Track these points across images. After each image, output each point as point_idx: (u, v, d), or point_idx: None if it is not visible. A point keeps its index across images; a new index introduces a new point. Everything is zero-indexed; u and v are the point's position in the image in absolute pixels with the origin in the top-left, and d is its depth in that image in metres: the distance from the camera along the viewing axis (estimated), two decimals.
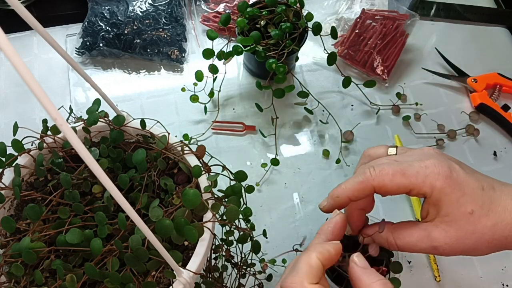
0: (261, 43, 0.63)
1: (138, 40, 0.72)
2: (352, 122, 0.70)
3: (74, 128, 0.47)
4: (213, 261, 0.49)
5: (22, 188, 0.44)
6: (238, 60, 0.76)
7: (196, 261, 0.40)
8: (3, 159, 0.44)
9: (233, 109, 0.71)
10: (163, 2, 0.76)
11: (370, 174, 0.39)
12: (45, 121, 0.47)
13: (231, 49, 0.63)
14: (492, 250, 0.39)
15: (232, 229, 0.45)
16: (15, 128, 0.44)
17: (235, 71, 0.75)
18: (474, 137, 0.70)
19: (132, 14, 0.74)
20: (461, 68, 0.75)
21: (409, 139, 0.70)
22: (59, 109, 0.43)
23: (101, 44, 0.72)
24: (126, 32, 0.72)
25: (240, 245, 0.47)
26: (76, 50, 0.74)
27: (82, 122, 0.47)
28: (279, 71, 0.61)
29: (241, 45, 0.62)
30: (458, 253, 0.38)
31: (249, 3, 0.66)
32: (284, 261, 0.58)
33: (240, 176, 0.46)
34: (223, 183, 0.48)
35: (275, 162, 0.66)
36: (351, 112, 0.72)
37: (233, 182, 0.45)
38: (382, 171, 0.38)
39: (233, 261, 0.49)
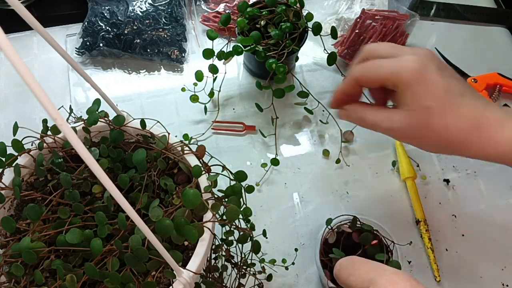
0: (261, 43, 0.63)
1: (138, 40, 0.72)
2: (352, 122, 0.70)
3: (74, 128, 0.47)
4: (213, 261, 0.49)
5: (22, 188, 0.44)
6: (238, 60, 0.76)
7: (196, 261, 0.40)
8: (3, 159, 0.44)
9: (233, 109, 0.71)
10: (163, 2, 0.76)
11: (354, 72, 0.45)
12: (45, 121, 0.47)
13: (231, 49, 0.63)
14: (441, 150, 0.42)
15: (232, 229, 0.45)
16: (15, 128, 0.44)
17: (235, 71, 0.75)
18: None
19: (132, 14, 0.74)
20: (461, 68, 0.75)
21: None
22: (59, 109, 0.43)
23: (101, 44, 0.72)
24: (126, 32, 0.72)
25: (240, 245, 0.47)
26: (76, 50, 0.74)
27: (82, 122, 0.47)
28: (279, 71, 0.61)
29: (241, 45, 0.62)
30: (409, 140, 0.43)
31: (249, 3, 0.66)
32: (284, 261, 0.58)
33: (240, 176, 0.46)
34: (223, 183, 0.48)
35: (275, 162, 0.66)
36: None
37: (233, 182, 0.45)
38: (363, 68, 0.44)
39: (233, 261, 0.49)
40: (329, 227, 0.54)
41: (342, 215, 0.55)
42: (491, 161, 0.40)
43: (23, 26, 0.72)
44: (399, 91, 0.41)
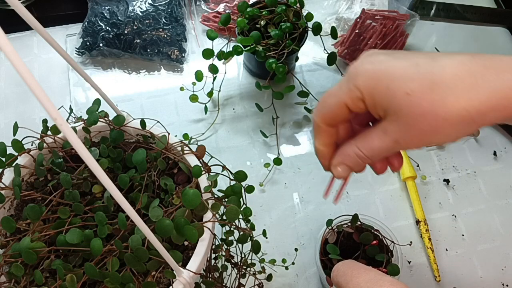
0: (261, 43, 0.63)
1: (138, 40, 0.72)
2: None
3: (74, 128, 0.47)
4: (213, 261, 0.49)
5: (22, 188, 0.44)
6: (238, 60, 0.76)
7: (196, 261, 0.40)
8: (3, 159, 0.44)
9: (233, 109, 0.71)
10: (163, 2, 0.76)
11: (314, 119, 0.37)
12: (45, 121, 0.47)
13: (231, 49, 0.63)
14: (461, 130, 0.31)
15: (232, 229, 0.45)
16: (15, 128, 0.44)
17: (235, 71, 0.75)
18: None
19: (132, 14, 0.74)
20: None
21: None
22: (59, 109, 0.43)
23: (101, 44, 0.72)
24: (126, 32, 0.73)
25: (240, 245, 0.47)
26: (76, 50, 0.74)
27: (82, 122, 0.47)
28: (279, 71, 0.61)
29: (241, 45, 0.62)
30: (423, 141, 0.32)
31: (249, 3, 0.66)
32: (284, 261, 0.58)
33: (240, 176, 0.46)
34: (223, 183, 0.48)
35: (277, 161, 0.66)
36: None
37: (233, 182, 0.45)
38: (317, 108, 0.36)
39: (233, 261, 0.49)
40: (330, 227, 0.54)
41: (343, 215, 0.55)
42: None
43: (23, 26, 0.72)
44: (370, 103, 0.33)
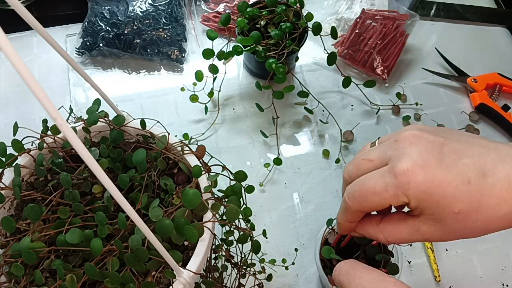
0: (261, 43, 0.63)
1: (138, 40, 0.72)
2: (352, 122, 0.70)
3: (74, 128, 0.47)
4: (213, 261, 0.49)
5: (22, 188, 0.44)
6: (238, 60, 0.76)
7: (196, 261, 0.40)
8: (3, 159, 0.44)
9: (233, 109, 0.71)
10: (163, 2, 0.76)
11: (348, 203, 0.38)
12: (45, 121, 0.47)
13: (231, 49, 0.63)
14: (497, 231, 0.35)
15: (232, 229, 0.45)
16: (15, 128, 0.44)
17: (235, 71, 0.75)
18: None
19: (132, 14, 0.74)
20: (461, 68, 0.75)
21: None
22: (59, 109, 0.43)
23: (101, 44, 0.72)
24: (126, 32, 0.73)
25: (240, 245, 0.47)
26: (76, 50, 0.74)
27: (82, 122, 0.47)
28: (279, 71, 0.61)
29: (241, 45, 0.62)
30: (454, 239, 0.36)
31: (249, 3, 0.66)
32: (284, 261, 0.58)
33: (240, 176, 0.46)
34: (223, 183, 0.48)
35: (278, 161, 0.66)
36: (351, 112, 0.72)
37: (233, 182, 0.45)
38: (355, 195, 0.37)
39: (233, 261, 0.49)
40: (330, 227, 0.54)
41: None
42: None
43: (23, 26, 0.72)
44: (412, 205, 0.35)
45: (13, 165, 0.44)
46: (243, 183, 0.45)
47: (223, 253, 0.48)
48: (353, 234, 0.42)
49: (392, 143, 0.36)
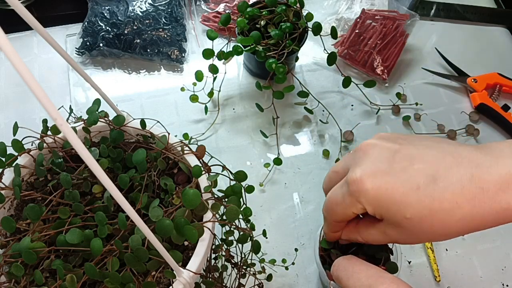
0: (261, 43, 0.63)
1: (138, 40, 0.72)
2: (352, 122, 0.70)
3: (74, 128, 0.47)
4: (213, 261, 0.49)
5: (22, 188, 0.44)
6: (238, 60, 0.76)
7: (196, 261, 0.40)
8: (3, 159, 0.44)
9: (233, 109, 0.71)
10: (163, 2, 0.76)
11: (324, 215, 0.42)
12: (45, 121, 0.47)
13: (231, 49, 0.63)
14: (459, 235, 0.34)
15: (232, 229, 0.45)
16: (15, 128, 0.44)
17: (235, 71, 0.75)
18: (474, 137, 0.70)
19: (132, 14, 0.74)
20: (461, 68, 0.75)
21: None
22: (59, 109, 0.43)
23: (101, 44, 0.72)
24: (126, 32, 0.73)
25: (240, 245, 0.47)
26: (76, 50, 0.74)
27: (82, 122, 0.47)
28: (279, 71, 0.61)
29: (241, 45, 0.62)
30: (422, 242, 0.38)
31: (249, 3, 0.66)
32: (284, 261, 0.58)
33: (240, 176, 0.46)
34: (223, 183, 0.48)
35: (278, 161, 0.66)
36: (351, 112, 0.72)
37: (233, 182, 0.45)
38: (325, 208, 0.40)
39: (233, 261, 0.49)
40: None
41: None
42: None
43: (23, 26, 0.72)
44: (369, 211, 0.36)
45: (13, 165, 0.44)
46: (243, 183, 0.45)
47: (223, 253, 0.48)
48: (340, 242, 0.45)
49: (352, 154, 0.38)
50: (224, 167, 0.48)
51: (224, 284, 0.49)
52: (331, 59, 0.65)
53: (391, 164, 0.34)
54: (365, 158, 0.36)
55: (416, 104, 0.73)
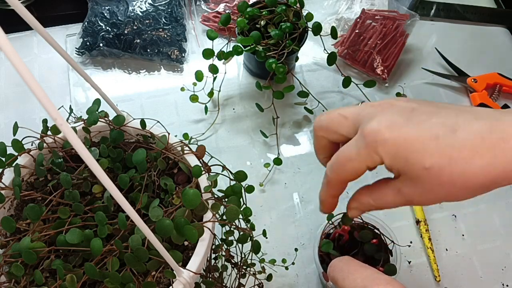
0: (261, 43, 0.63)
1: (138, 40, 0.72)
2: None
3: (74, 128, 0.47)
4: (213, 261, 0.49)
5: (22, 188, 0.44)
6: (238, 60, 0.76)
7: (196, 261, 0.40)
8: (3, 159, 0.44)
9: (233, 109, 0.71)
10: (163, 2, 0.76)
11: (329, 176, 0.38)
12: (45, 121, 0.47)
13: (231, 49, 0.63)
14: (476, 194, 0.33)
15: (232, 229, 0.45)
16: (15, 128, 0.44)
17: (235, 71, 0.75)
18: None
19: (132, 14, 0.74)
20: (461, 68, 0.75)
21: None
22: (59, 109, 0.43)
23: (101, 44, 0.72)
24: (126, 32, 0.73)
25: (240, 245, 0.47)
26: (76, 50, 0.74)
27: (82, 122, 0.47)
28: (279, 71, 0.61)
29: (241, 45, 0.62)
30: (437, 201, 0.35)
31: (249, 3, 0.66)
32: (284, 261, 0.58)
33: (240, 176, 0.46)
34: (223, 183, 0.48)
35: (278, 161, 0.66)
36: None
37: (233, 182, 0.45)
38: (333, 167, 0.38)
39: (233, 261, 0.49)
40: (330, 222, 0.54)
41: (343, 212, 0.55)
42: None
43: (23, 26, 0.72)
44: (386, 164, 0.35)
45: (13, 165, 0.44)
46: (243, 183, 0.45)
47: (223, 253, 0.48)
48: (350, 214, 0.41)
49: (367, 107, 0.36)
50: (224, 167, 0.48)
51: (224, 284, 0.49)
52: (331, 59, 0.65)
53: (409, 118, 0.33)
54: (383, 113, 0.35)
55: None
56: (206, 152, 0.47)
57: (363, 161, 0.35)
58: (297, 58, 0.72)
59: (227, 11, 0.78)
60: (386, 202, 0.37)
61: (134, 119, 0.49)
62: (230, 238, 0.46)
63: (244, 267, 0.50)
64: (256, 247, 0.48)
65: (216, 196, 0.44)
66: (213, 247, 0.46)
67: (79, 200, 0.43)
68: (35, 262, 0.38)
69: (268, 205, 0.64)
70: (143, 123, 0.47)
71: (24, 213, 0.42)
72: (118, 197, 0.27)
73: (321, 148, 0.41)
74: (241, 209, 0.45)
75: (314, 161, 0.68)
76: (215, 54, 0.64)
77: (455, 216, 0.64)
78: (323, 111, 0.70)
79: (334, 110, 0.38)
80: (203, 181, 0.44)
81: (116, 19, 0.73)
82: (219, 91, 0.70)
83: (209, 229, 0.41)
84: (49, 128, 0.46)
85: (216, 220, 0.42)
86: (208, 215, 0.42)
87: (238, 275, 0.50)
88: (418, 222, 0.62)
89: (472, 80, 0.73)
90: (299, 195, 0.65)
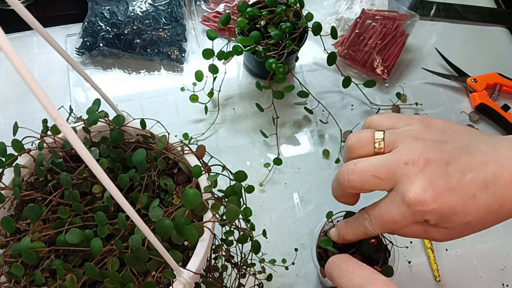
0: (261, 43, 0.63)
1: (138, 40, 0.72)
2: (352, 122, 0.70)
3: (74, 128, 0.47)
4: (213, 261, 0.49)
5: (22, 188, 0.44)
6: (238, 60, 0.76)
7: (196, 261, 0.40)
8: (3, 159, 0.44)
9: (233, 109, 0.71)
10: (163, 2, 0.76)
11: (369, 229, 0.41)
12: (45, 121, 0.47)
13: (231, 49, 0.63)
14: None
15: (232, 229, 0.45)
16: (15, 128, 0.44)
17: (235, 71, 0.75)
18: None
19: (132, 14, 0.74)
20: (461, 68, 0.75)
21: None
22: (59, 109, 0.43)
23: (101, 44, 0.72)
24: (126, 32, 0.73)
25: (240, 245, 0.47)
26: (76, 50, 0.74)
27: (82, 122, 0.47)
28: (279, 71, 0.61)
29: (241, 45, 0.62)
30: (460, 237, 0.40)
31: (249, 3, 0.66)
32: (284, 261, 0.58)
33: (240, 176, 0.46)
34: (223, 183, 0.48)
35: (277, 161, 0.66)
36: (351, 112, 0.72)
37: (233, 182, 0.45)
38: (374, 222, 0.40)
39: (233, 261, 0.49)
40: (329, 220, 0.54)
41: (343, 211, 0.55)
42: None
43: (23, 26, 0.72)
44: (430, 222, 0.39)
45: (13, 165, 0.44)
46: (243, 183, 0.45)
47: (223, 253, 0.48)
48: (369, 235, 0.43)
49: (401, 165, 0.38)
50: (224, 167, 0.48)
51: (224, 284, 0.49)
52: (331, 59, 0.65)
53: (446, 179, 0.36)
54: (420, 176, 0.37)
55: (416, 104, 0.73)
56: (206, 152, 0.47)
57: (409, 224, 0.38)
58: (297, 58, 0.72)
59: (227, 11, 0.78)
60: (411, 234, 0.40)
61: (134, 119, 0.49)
62: (230, 238, 0.46)
63: (244, 267, 0.50)
64: (256, 247, 0.48)
65: (216, 196, 0.44)
66: (213, 247, 0.46)
67: (79, 200, 0.43)
68: (35, 262, 0.38)
69: (268, 205, 0.64)
70: (143, 123, 0.47)
71: (24, 213, 0.42)
72: (118, 197, 0.27)
73: (343, 197, 0.44)
74: (241, 209, 0.45)
75: (314, 161, 0.68)
76: (215, 54, 0.64)
77: None
78: (323, 111, 0.70)
79: (364, 169, 0.40)
80: (203, 181, 0.44)
81: (116, 19, 0.73)
82: (219, 91, 0.70)
83: (209, 229, 0.41)
84: (49, 128, 0.46)
85: (216, 220, 0.42)
86: (208, 215, 0.42)
87: (238, 275, 0.50)
88: None
89: (472, 80, 0.73)
90: (299, 195, 0.65)
